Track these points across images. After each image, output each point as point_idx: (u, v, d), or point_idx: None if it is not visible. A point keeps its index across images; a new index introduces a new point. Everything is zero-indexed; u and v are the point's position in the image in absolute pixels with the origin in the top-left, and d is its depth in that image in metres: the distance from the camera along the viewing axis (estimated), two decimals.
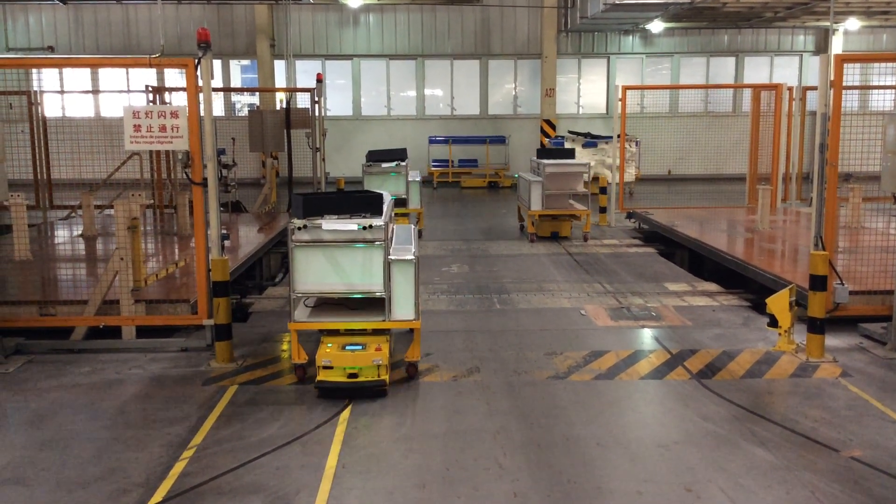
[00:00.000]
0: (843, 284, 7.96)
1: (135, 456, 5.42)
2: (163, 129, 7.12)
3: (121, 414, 6.20)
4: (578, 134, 21.83)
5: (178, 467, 5.25)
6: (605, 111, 25.02)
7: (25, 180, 13.94)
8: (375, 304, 6.76)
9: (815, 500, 4.77)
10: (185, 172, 7.40)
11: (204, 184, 7.32)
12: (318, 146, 14.93)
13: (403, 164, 13.76)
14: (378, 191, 7.23)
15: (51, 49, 23.53)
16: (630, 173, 19.57)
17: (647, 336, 8.17)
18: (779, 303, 7.57)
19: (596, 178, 17.80)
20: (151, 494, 4.89)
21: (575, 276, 10.92)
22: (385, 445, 5.58)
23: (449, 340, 7.99)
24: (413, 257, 6.53)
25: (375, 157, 13.93)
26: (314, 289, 6.60)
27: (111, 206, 13.06)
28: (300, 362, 6.77)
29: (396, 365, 7.09)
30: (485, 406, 6.27)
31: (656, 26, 23.15)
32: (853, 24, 22.91)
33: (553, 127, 23.99)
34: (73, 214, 14.03)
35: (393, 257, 6.52)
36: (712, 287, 10.31)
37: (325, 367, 6.41)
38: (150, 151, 13.53)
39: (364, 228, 6.43)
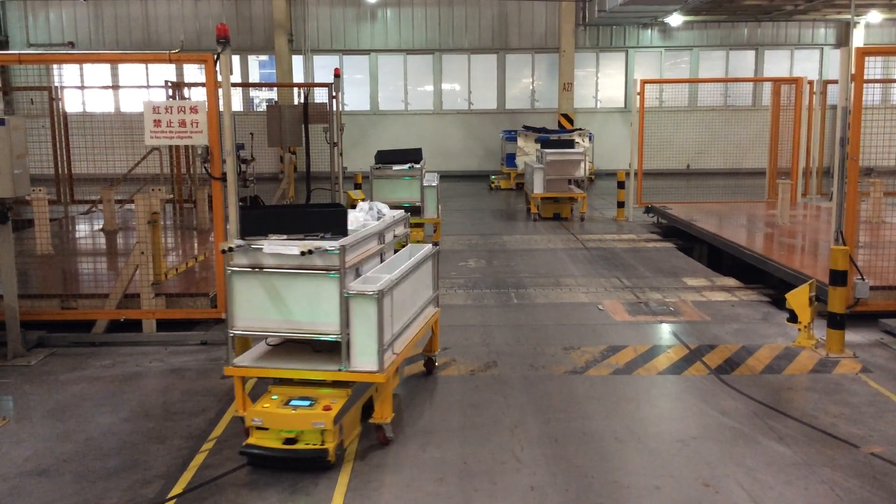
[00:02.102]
0: (863, 280, 7.90)
1: (155, 448, 5.47)
2: (182, 124, 7.16)
3: (141, 406, 6.26)
4: (532, 129, 21.74)
5: (199, 459, 5.30)
6: (623, 105, 24.92)
7: (47, 175, 14.07)
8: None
9: (835, 495, 4.74)
10: (205, 167, 7.41)
11: (223, 178, 7.35)
12: (335, 141, 14.95)
13: (418, 166, 12.09)
14: (380, 199, 6.47)
15: (71, 45, 23.74)
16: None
17: (665, 331, 8.15)
18: (798, 298, 7.52)
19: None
20: (172, 486, 4.94)
21: (592, 271, 10.90)
22: (403, 438, 5.59)
23: (466, 335, 8.00)
24: (374, 292, 5.06)
25: (386, 158, 12.25)
26: (255, 326, 5.28)
27: (131, 201, 13.16)
28: (244, 415, 5.28)
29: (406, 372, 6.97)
30: (502, 400, 6.27)
31: (675, 20, 23.01)
32: (875, 16, 22.69)
33: (570, 121, 23.91)
34: (94, 209, 14.15)
35: (351, 291, 5.12)
36: (731, 282, 10.26)
37: (259, 428, 5.11)
38: (170, 146, 13.62)
39: (304, 254, 5.05)
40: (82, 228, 13.34)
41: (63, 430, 5.80)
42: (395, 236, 6.44)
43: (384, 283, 5.27)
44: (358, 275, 5.47)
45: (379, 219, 6.15)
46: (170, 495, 4.80)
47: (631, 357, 7.28)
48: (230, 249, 5.24)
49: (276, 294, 5.21)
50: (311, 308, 5.18)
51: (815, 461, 5.18)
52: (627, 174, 15.62)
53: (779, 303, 8.72)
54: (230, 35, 7.08)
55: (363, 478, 5.01)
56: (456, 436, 5.62)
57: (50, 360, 7.39)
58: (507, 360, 7.21)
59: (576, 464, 5.17)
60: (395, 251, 6.48)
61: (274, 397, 5.24)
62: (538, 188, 15.41)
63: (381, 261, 6.01)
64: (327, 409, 5.03)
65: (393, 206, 10.70)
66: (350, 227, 5.59)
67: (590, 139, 21.59)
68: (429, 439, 5.56)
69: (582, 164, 15.54)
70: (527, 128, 21.86)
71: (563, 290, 9.84)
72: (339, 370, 5.17)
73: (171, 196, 13.77)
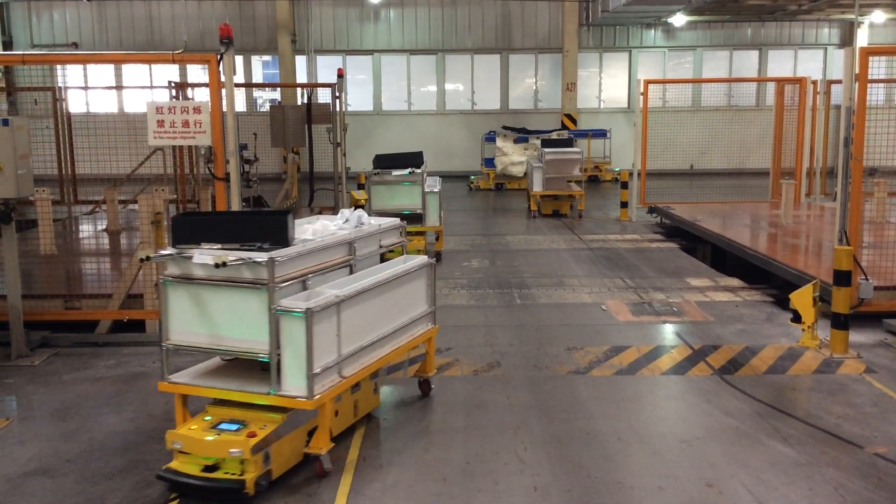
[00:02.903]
0: (867, 280, 7.88)
1: (158, 448, 5.46)
2: (186, 124, 7.16)
3: (144, 406, 6.26)
4: (512, 129, 21.67)
5: None
6: (626, 105, 24.89)
7: (50, 176, 14.08)
8: None
9: (839, 496, 4.73)
10: (208, 168, 7.42)
11: (226, 179, 7.36)
12: (339, 141, 14.96)
13: (419, 171, 11.30)
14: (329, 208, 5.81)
15: (75, 45, 23.77)
16: None
17: (668, 331, 8.13)
18: (802, 298, 7.51)
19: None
20: None
21: (596, 271, 10.89)
22: (406, 439, 5.59)
23: (469, 335, 7.99)
24: (303, 309, 4.66)
25: (385, 162, 11.53)
26: (188, 340, 4.99)
27: (135, 201, 13.18)
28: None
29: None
30: (505, 400, 6.27)
31: (679, 20, 22.98)
32: (879, 16, 22.63)
33: (574, 121, 23.90)
34: (98, 209, 14.17)
35: (281, 307, 4.73)
36: (735, 282, 10.24)
37: (181, 452, 4.77)
38: (173, 147, 13.63)
39: (219, 266, 4.62)
40: (86, 229, 13.36)
41: (66, 430, 5.81)
42: (381, 247, 6.06)
43: (322, 299, 4.86)
44: (305, 289, 5.10)
45: (358, 227, 5.82)
46: (172, 495, 4.79)
47: (634, 357, 7.27)
48: (147, 259, 4.99)
49: (206, 307, 4.90)
50: (240, 324, 4.83)
51: (818, 462, 5.16)
52: (631, 174, 15.60)
53: (782, 303, 8.70)
54: (233, 35, 7.09)
55: (366, 478, 5.00)
56: (459, 436, 5.61)
57: (53, 361, 7.40)
58: (510, 361, 7.20)
59: (579, 464, 5.16)
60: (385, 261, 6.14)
61: (207, 418, 4.91)
62: (537, 186, 15.85)
63: (351, 273, 5.65)
64: (251, 435, 4.64)
65: (392, 214, 10.64)
66: (308, 236, 5.32)
67: (606, 136, 22.09)
68: (432, 439, 5.56)
69: (580, 163, 15.98)
70: (506, 128, 21.84)
71: (566, 291, 9.83)
72: (269, 393, 4.80)
73: (175, 196, 13.76)
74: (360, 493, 4.83)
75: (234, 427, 4.75)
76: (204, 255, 4.76)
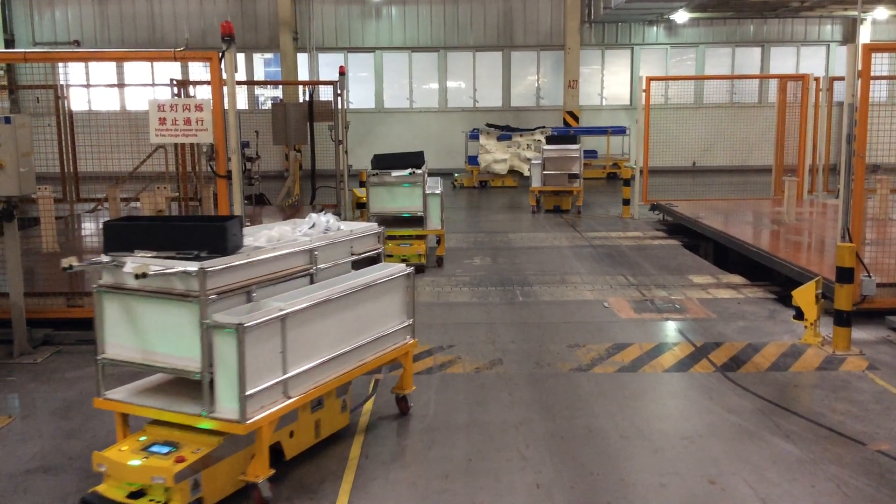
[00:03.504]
0: (870, 277, 7.87)
1: None
2: (187, 122, 7.16)
3: None
4: (495, 127, 21.64)
5: None
6: (628, 102, 24.86)
7: (52, 173, 14.11)
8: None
9: (841, 493, 4.72)
10: (210, 165, 7.41)
11: (228, 176, 7.36)
12: (340, 139, 14.96)
13: (419, 171, 10.71)
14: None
15: (77, 43, 23.78)
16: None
17: (671, 328, 8.13)
18: (805, 295, 7.50)
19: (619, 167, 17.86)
20: None
21: (598, 269, 10.88)
22: (408, 436, 5.59)
23: (472, 332, 7.99)
24: (235, 325, 4.26)
25: (384, 162, 10.94)
26: (121, 354, 4.65)
27: (137, 199, 13.21)
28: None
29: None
30: (507, 398, 6.27)
31: (681, 16, 22.95)
32: (881, 13, 22.58)
33: (576, 119, 23.88)
34: (100, 207, 14.18)
35: (212, 321, 4.32)
36: (737, 279, 10.23)
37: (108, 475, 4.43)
38: (175, 144, 13.64)
39: (138, 277, 4.27)
40: (88, 226, 13.37)
41: (69, 428, 5.81)
42: (353, 254, 5.64)
43: (261, 313, 4.46)
44: (250, 300, 4.72)
45: (326, 232, 5.46)
46: None
47: (636, 355, 7.27)
48: (70, 268, 4.54)
49: (138, 320, 4.56)
50: (172, 339, 4.46)
51: (821, 459, 5.16)
52: (633, 171, 15.59)
53: (785, 300, 8.69)
54: (235, 33, 7.09)
55: (368, 475, 5.01)
56: (461, 433, 5.61)
57: (56, 358, 7.40)
58: (512, 358, 7.20)
59: (581, 461, 5.16)
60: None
61: (142, 438, 4.57)
62: (536, 182, 16.21)
63: (312, 283, 5.23)
64: (180, 460, 4.26)
65: (392, 217, 10.69)
66: (261, 242, 4.95)
67: (625, 133, 22.55)
68: (434, 437, 5.56)
69: (579, 160, 16.06)
70: (489, 125, 21.80)
71: (568, 288, 9.82)
72: (202, 415, 4.39)
73: (177, 194, 13.79)
74: (362, 489, 4.83)
75: (165, 450, 4.40)
76: (135, 264, 4.39)
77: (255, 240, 5.00)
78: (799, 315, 7.60)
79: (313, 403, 5.10)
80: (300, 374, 4.75)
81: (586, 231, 13.89)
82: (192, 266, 4.31)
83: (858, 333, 7.62)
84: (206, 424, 4.40)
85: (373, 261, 5.87)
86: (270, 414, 4.48)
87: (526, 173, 20.33)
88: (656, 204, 15.17)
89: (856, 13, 22.30)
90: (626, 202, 15.64)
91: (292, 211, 14.72)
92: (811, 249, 10.92)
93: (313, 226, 5.51)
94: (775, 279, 9.91)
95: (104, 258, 4.59)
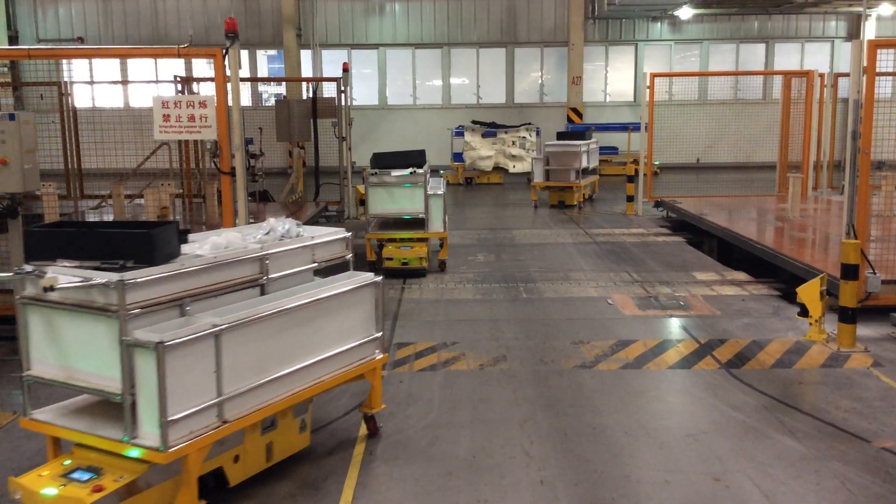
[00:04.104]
0: (875, 273, 7.85)
1: None
2: (191, 118, 7.16)
3: None
4: (481, 123, 21.63)
5: None
6: (632, 99, 24.84)
7: (56, 170, 14.14)
8: None
9: (846, 490, 4.72)
10: (214, 162, 7.43)
11: (232, 173, 7.36)
12: (344, 135, 14.97)
13: (421, 171, 10.17)
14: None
15: (80, 40, 23.81)
16: (526, 163, 20.14)
17: (675, 325, 8.12)
18: (809, 292, 7.48)
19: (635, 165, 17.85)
20: None
21: (602, 265, 10.87)
22: (412, 433, 5.59)
23: (475, 329, 7.99)
24: (154, 342, 3.85)
25: (384, 161, 10.43)
26: (44, 372, 4.28)
27: (141, 196, 13.23)
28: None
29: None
30: (511, 395, 6.27)
31: (685, 13, 22.91)
32: (886, 8, 22.52)
33: (580, 115, 23.85)
34: (104, 204, 14.20)
35: (135, 339, 3.94)
36: (741, 276, 10.21)
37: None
38: (179, 141, 13.66)
39: (47, 290, 3.95)
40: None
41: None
42: (314, 262, 5.25)
43: (188, 329, 4.06)
44: (183, 314, 4.31)
45: (282, 239, 5.10)
46: None
47: (640, 351, 7.26)
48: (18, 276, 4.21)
49: (59, 335, 4.20)
50: (92, 357, 4.10)
51: (825, 456, 5.15)
52: (637, 169, 15.58)
53: (789, 297, 8.67)
54: (239, 29, 7.09)
55: (372, 472, 5.01)
56: (465, 430, 5.61)
57: None
58: (516, 355, 7.20)
59: (585, 458, 5.16)
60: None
61: (66, 462, 4.20)
62: (538, 177, 16.46)
63: (263, 294, 4.86)
64: (97, 489, 3.89)
65: (392, 218, 10.51)
66: (204, 250, 4.58)
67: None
68: (438, 434, 5.56)
69: (584, 156, 16.25)
70: (475, 122, 21.79)
71: (572, 285, 9.82)
72: (124, 441, 3.99)
73: (181, 191, 13.81)
74: (366, 486, 4.83)
75: (86, 477, 4.02)
76: (51, 275, 4.06)
77: (198, 247, 4.65)
78: (803, 312, 7.59)
79: (265, 424, 4.69)
80: (240, 394, 4.34)
81: (590, 227, 13.88)
82: (109, 277, 3.93)
83: (863, 330, 7.61)
84: (128, 451, 4.00)
85: (344, 268, 5.51)
86: (199, 440, 4.06)
87: (511, 170, 20.71)
88: (660, 201, 15.16)
89: (860, 9, 22.24)
90: (631, 199, 15.63)
91: (295, 207, 14.73)
92: (816, 246, 10.89)
93: (269, 232, 5.18)
94: (780, 276, 9.89)
95: (27, 267, 4.23)
